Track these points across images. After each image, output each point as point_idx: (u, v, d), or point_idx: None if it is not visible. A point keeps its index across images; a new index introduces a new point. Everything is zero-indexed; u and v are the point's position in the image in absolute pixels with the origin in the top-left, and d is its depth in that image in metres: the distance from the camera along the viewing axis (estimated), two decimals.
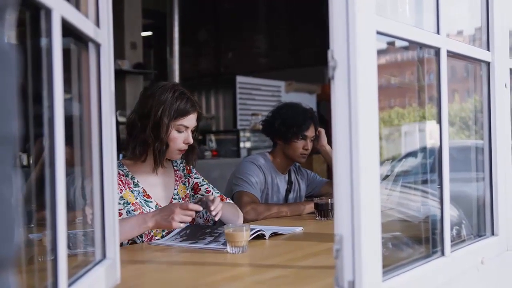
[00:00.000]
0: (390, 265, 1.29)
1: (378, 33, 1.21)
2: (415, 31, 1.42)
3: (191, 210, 1.97)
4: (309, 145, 2.91)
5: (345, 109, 1.14)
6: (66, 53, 1.05)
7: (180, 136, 2.21)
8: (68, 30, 1.07)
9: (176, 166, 2.40)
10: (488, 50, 1.76)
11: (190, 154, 2.32)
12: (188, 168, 2.43)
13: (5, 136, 0.57)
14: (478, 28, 1.84)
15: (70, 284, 1.04)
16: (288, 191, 3.02)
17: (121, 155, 2.81)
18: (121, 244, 2.03)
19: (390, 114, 1.84)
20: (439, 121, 1.49)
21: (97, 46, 1.29)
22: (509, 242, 1.80)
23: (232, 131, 7.74)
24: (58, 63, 0.97)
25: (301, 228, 2.31)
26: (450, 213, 1.52)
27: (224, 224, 2.16)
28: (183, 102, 2.19)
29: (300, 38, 9.39)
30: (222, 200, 2.34)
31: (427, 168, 1.85)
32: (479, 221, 1.81)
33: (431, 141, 1.87)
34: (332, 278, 1.18)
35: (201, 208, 1.98)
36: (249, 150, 7.38)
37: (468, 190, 1.93)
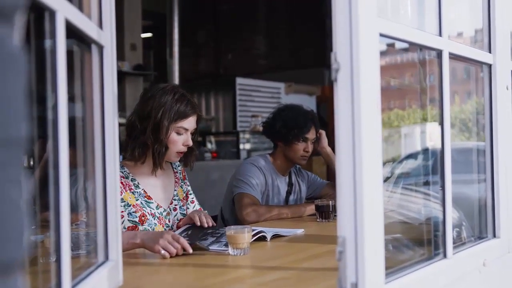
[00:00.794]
0: (393, 267, 1.29)
1: (381, 35, 1.21)
2: (418, 33, 1.42)
3: (181, 244, 1.83)
4: (310, 147, 2.91)
5: (348, 111, 1.14)
6: (69, 54, 1.05)
7: (180, 138, 2.21)
8: (71, 31, 1.07)
9: (175, 168, 2.40)
10: (490, 52, 1.76)
11: (189, 157, 2.31)
12: (184, 174, 2.43)
13: (14, 139, 0.58)
14: (479, 30, 1.84)
15: (73, 286, 1.04)
16: (288, 193, 3.01)
17: (120, 157, 2.81)
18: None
19: (390, 116, 1.84)
20: (441, 123, 1.49)
21: (100, 48, 1.29)
22: (511, 244, 1.80)
23: (232, 132, 7.74)
24: (62, 65, 0.97)
25: (303, 230, 2.31)
26: (451, 215, 1.52)
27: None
28: (183, 105, 2.19)
29: (300, 39, 9.40)
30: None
31: (428, 170, 1.86)
32: (481, 223, 1.81)
33: (432, 143, 1.87)
34: (334, 280, 1.18)
35: (190, 250, 1.83)
36: (249, 152, 7.38)
37: (468, 192, 1.94)
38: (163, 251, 1.81)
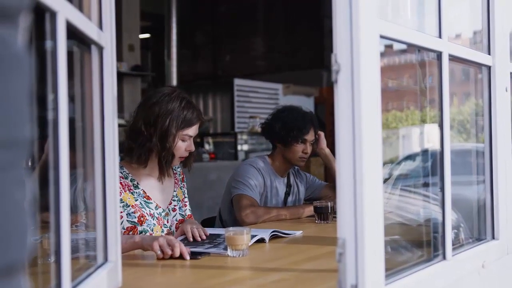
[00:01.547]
0: (392, 268, 1.29)
1: (381, 37, 1.21)
2: (418, 35, 1.42)
3: (178, 249, 1.81)
4: (309, 149, 2.91)
5: (348, 112, 1.14)
6: (69, 55, 1.05)
7: (184, 144, 2.22)
8: (72, 32, 1.07)
9: (175, 170, 2.41)
10: (489, 54, 1.76)
11: (188, 159, 2.32)
12: (182, 176, 2.44)
13: (18, 140, 0.58)
14: (478, 31, 1.84)
15: (73, 287, 1.04)
16: (287, 194, 3.01)
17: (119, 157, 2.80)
18: None
19: (388, 117, 1.84)
20: (441, 125, 1.49)
21: (100, 49, 1.29)
22: (510, 246, 1.81)
23: (230, 133, 7.74)
24: (62, 65, 0.97)
25: (301, 231, 2.31)
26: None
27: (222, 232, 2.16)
28: (189, 112, 2.20)
29: (298, 40, 9.41)
30: (182, 223, 2.33)
31: (426, 171, 1.86)
32: (480, 225, 1.81)
33: (430, 144, 1.87)
34: (334, 282, 1.18)
35: (187, 257, 1.80)
36: (247, 153, 7.38)
37: (466, 194, 1.94)
38: (159, 252, 1.79)
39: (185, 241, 2.03)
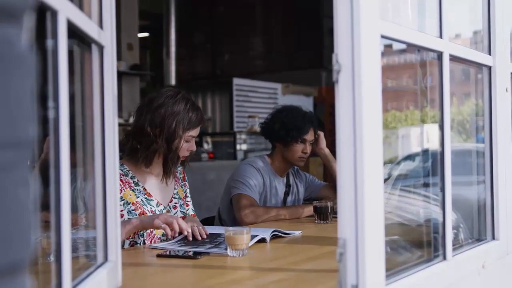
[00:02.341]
0: (393, 269, 1.29)
1: (382, 37, 1.21)
2: (418, 35, 1.42)
3: (179, 225, 1.97)
4: (308, 149, 2.91)
5: (349, 112, 1.14)
6: (69, 54, 1.04)
7: (187, 145, 2.26)
8: (72, 31, 1.06)
9: (175, 168, 2.41)
10: (490, 54, 1.76)
11: (187, 157, 2.33)
12: (184, 175, 2.45)
13: (22, 140, 0.57)
14: (479, 32, 1.84)
15: (73, 287, 1.03)
16: (286, 194, 3.01)
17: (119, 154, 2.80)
18: (122, 245, 2.03)
19: (387, 117, 1.84)
20: (441, 125, 1.49)
21: (101, 48, 1.29)
22: (510, 246, 1.81)
23: (229, 133, 7.73)
24: (63, 64, 0.97)
25: (300, 231, 2.30)
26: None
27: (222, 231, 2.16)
28: (194, 114, 2.24)
29: (297, 40, 9.40)
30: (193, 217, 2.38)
31: (426, 171, 1.86)
32: (480, 225, 1.81)
33: (430, 144, 1.87)
34: (334, 282, 1.17)
35: (189, 230, 1.98)
36: (246, 153, 7.37)
37: (466, 194, 1.94)
38: (163, 225, 1.91)
39: (185, 241, 2.03)
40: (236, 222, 2.72)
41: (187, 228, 2.01)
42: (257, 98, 8.31)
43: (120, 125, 6.45)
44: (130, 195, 2.18)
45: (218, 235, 2.12)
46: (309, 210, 2.74)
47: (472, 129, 2.03)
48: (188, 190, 2.46)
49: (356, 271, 1.12)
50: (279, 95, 8.48)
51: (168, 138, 2.18)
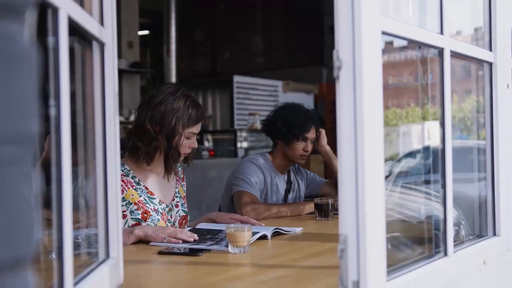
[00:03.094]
0: (394, 265, 1.29)
1: (383, 33, 1.21)
2: (419, 31, 1.42)
3: (182, 235, 2.00)
4: (309, 147, 2.91)
5: (350, 108, 1.14)
6: (70, 51, 1.04)
7: (188, 142, 2.25)
8: (73, 28, 1.06)
9: (176, 165, 2.41)
10: (491, 50, 1.76)
11: (189, 155, 2.33)
12: (183, 175, 2.46)
13: (25, 136, 0.57)
14: (480, 28, 1.84)
15: (75, 283, 1.03)
16: (287, 191, 3.01)
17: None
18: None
19: (388, 115, 1.84)
20: (443, 121, 1.49)
21: (101, 45, 1.29)
22: (511, 243, 1.81)
23: (229, 131, 7.73)
24: (64, 62, 0.97)
25: (301, 228, 2.31)
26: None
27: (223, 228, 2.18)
28: (194, 111, 2.23)
29: (297, 37, 9.40)
30: (185, 218, 2.38)
31: (427, 168, 1.86)
32: (481, 222, 1.81)
33: (431, 142, 1.87)
34: (335, 278, 1.18)
35: (194, 237, 2.00)
36: (246, 150, 7.38)
37: (467, 191, 1.94)
38: (167, 238, 1.96)
39: (185, 242, 2.02)
40: None
41: (192, 236, 2.00)
42: (258, 96, 8.31)
43: (120, 123, 6.45)
44: (133, 194, 2.18)
45: (220, 231, 2.12)
46: (310, 207, 2.74)
47: (473, 126, 2.03)
48: (185, 190, 2.47)
49: (357, 267, 1.13)
50: (279, 92, 8.48)
51: (168, 135, 2.19)
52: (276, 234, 2.15)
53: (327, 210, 2.57)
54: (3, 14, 0.56)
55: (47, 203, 0.98)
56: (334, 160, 2.98)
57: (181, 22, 8.62)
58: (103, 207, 1.31)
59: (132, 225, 2.14)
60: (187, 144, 2.24)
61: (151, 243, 1.98)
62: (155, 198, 2.25)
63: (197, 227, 2.29)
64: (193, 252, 1.82)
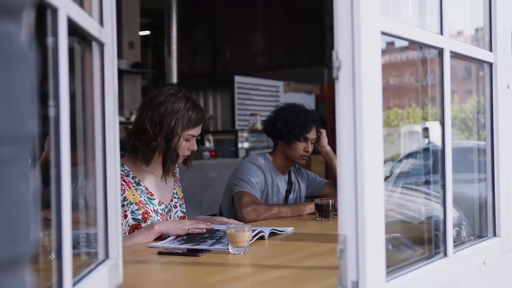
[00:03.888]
0: (394, 265, 1.29)
1: (383, 33, 1.21)
2: (419, 31, 1.42)
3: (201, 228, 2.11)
4: (310, 147, 2.91)
5: (349, 109, 1.14)
6: (70, 52, 1.04)
7: (187, 144, 2.26)
8: (73, 29, 1.06)
9: (174, 166, 2.42)
10: (491, 51, 1.76)
11: (189, 157, 2.34)
12: (179, 176, 2.47)
13: (23, 135, 0.58)
14: (480, 28, 1.84)
15: (74, 284, 1.04)
16: (288, 191, 3.01)
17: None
18: None
19: (389, 115, 1.84)
20: (442, 122, 1.49)
21: (101, 45, 1.29)
22: (511, 243, 1.80)
23: (230, 131, 7.73)
24: (64, 62, 0.97)
25: (292, 228, 2.31)
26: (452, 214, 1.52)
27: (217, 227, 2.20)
28: (194, 113, 2.24)
29: (299, 37, 9.40)
30: (184, 219, 2.39)
31: (428, 169, 1.86)
32: (481, 222, 1.81)
33: (432, 142, 1.87)
34: (334, 279, 1.18)
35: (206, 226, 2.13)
36: (247, 151, 7.38)
37: (468, 191, 1.94)
38: (191, 229, 2.06)
39: (183, 241, 2.02)
40: (237, 219, 2.72)
41: (208, 225, 2.14)
42: (259, 96, 8.31)
43: (121, 123, 6.45)
44: (134, 194, 2.19)
45: (217, 230, 2.13)
46: (310, 207, 2.74)
47: (474, 126, 2.03)
48: (181, 190, 2.48)
49: (356, 268, 1.13)
50: (280, 93, 8.48)
51: (167, 136, 2.19)
52: (272, 234, 2.16)
53: (327, 210, 2.57)
54: (0, 14, 0.56)
55: (47, 203, 0.99)
56: (335, 160, 2.97)
57: (182, 22, 8.62)
58: (102, 207, 1.31)
59: (133, 225, 2.14)
60: (186, 146, 2.25)
61: (149, 245, 1.98)
62: (154, 199, 2.25)
63: None
64: (193, 253, 1.82)
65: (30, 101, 0.60)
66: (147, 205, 2.20)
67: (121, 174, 2.16)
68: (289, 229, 2.29)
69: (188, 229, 2.05)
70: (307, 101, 7.78)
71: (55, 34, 0.96)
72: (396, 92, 2.00)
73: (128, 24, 7.46)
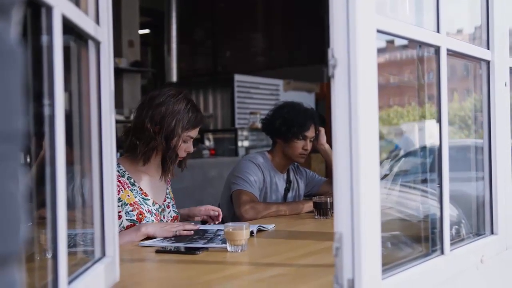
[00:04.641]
0: (390, 263, 1.29)
1: (378, 31, 1.21)
2: (415, 29, 1.42)
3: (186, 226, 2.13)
4: (309, 146, 2.91)
5: (345, 107, 1.14)
6: (66, 50, 1.05)
7: (184, 145, 2.28)
8: (68, 27, 1.06)
9: (173, 166, 2.42)
10: (488, 48, 1.76)
11: (184, 159, 2.34)
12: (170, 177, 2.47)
13: (11, 133, 0.58)
14: (478, 27, 1.84)
15: (70, 282, 1.04)
16: (287, 190, 3.01)
17: (118, 154, 2.81)
18: None
19: (389, 113, 1.84)
20: (439, 120, 1.49)
21: (97, 44, 1.29)
22: (509, 241, 1.81)
23: (230, 130, 7.73)
24: (58, 61, 0.97)
25: (274, 225, 2.33)
26: (450, 212, 1.52)
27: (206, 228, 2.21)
28: (194, 114, 2.26)
29: (298, 36, 9.39)
30: (176, 219, 2.41)
31: (427, 167, 1.86)
32: (479, 220, 1.81)
33: (431, 140, 1.87)
34: (331, 277, 1.18)
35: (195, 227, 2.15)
36: (247, 149, 7.37)
37: (467, 190, 1.94)
38: (178, 232, 2.06)
39: (171, 241, 2.02)
40: (236, 218, 2.72)
41: (195, 226, 2.17)
42: (259, 95, 8.30)
43: (121, 122, 6.45)
44: (129, 195, 2.19)
45: (206, 230, 2.15)
46: (309, 205, 2.74)
47: (474, 124, 2.03)
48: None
49: (352, 265, 1.13)
50: (280, 91, 8.47)
51: (167, 136, 2.20)
52: (276, 232, 2.18)
53: (325, 208, 2.57)
54: None
55: (45, 202, 0.99)
56: None
57: (182, 21, 8.62)
58: (99, 206, 1.31)
59: (127, 226, 2.14)
60: (183, 148, 2.27)
61: (141, 244, 1.98)
62: (149, 199, 2.26)
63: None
64: (190, 251, 1.83)
65: (19, 100, 0.60)
66: (141, 206, 2.21)
67: (116, 174, 2.17)
68: (271, 226, 2.31)
69: (176, 231, 2.06)
70: (307, 99, 7.78)
71: (49, 32, 0.96)
72: (397, 90, 2.00)
73: (128, 23, 7.46)
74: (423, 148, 2.01)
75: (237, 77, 8.14)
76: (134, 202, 2.19)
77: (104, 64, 1.31)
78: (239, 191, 2.76)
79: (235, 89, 8.09)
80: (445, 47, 1.49)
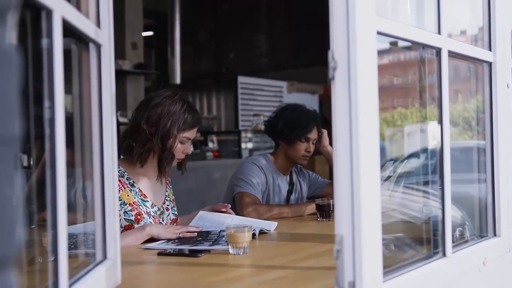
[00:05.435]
0: (391, 266, 1.29)
1: (379, 33, 1.21)
2: (416, 31, 1.42)
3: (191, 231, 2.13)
4: (312, 148, 2.91)
5: (345, 109, 1.14)
6: (67, 53, 1.05)
7: (182, 147, 2.27)
8: (69, 30, 1.07)
9: (170, 168, 2.42)
10: (490, 50, 1.75)
11: (184, 161, 2.34)
12: (169, 179, 2.47)
13: (7, 137, 0.58)
14: (480, 28, 1.83)
15: (71, 284, 1.04)
16: (289, 192, 3.01)
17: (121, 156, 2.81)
18: None
19: (393, 115, 1.83)
20: (440, 121, 1.49)
21: (98, 46, 1.29)
22: (511, 243, 1.80)
23: (234, 131, 7.73)
24: (59, 64, 0.97)
25: (276, 223, 2.33)
26: (453, 214, 1.51)
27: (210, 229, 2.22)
28: (190, 115, 2.26)
29: (302, 37, 9.38)
30: (176, 222, 2.41)
31: (430, 169, 1.85)
32: (481, 222, 1.80)
33: (434, 142, 1.87)
34: (332, 279, 1.17)
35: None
36: (251, 151, 7.37)
37: (470, 191, 1.93)
38: (182, 234, 2.07)
39: (175, 243, 2.01)
40: None
41: (198, 228, 2.16)
42: (262, 96, 8.31)
43: (124, 124, 6.45)
44: (128, 195, 2.20)
45: (209, 232, 2.14)
46: (311, 207, 2.74)
47: (478, 126, 2.02)
48: (172, 193, 2.49)
49: (353, 268, 1.13)
50: (284, 93, 8.47)
51: (163, 137, 2.21)
52: (280, 234, 2.18)
53: (328, 211, 2.57)
54: None
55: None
56: None
57: (185, 23, 8.63)
58: (100, 208, 1.31)
59: (125, 226, 2.15)
60: (181, 149, 2.26)
61: (143, 246, 1.98)
62: (148, 201, 2.26)
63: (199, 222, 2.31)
64: (193, 253, 1.83)
65: (15, 103, 0.60)
66: (140, 207, 2.21)
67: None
68: (274, 224, 2.31)
69: (180, 233, 2.06)
70: (311, 101, 7.76)
71: (50, 35, 0.96)
72: (400, 91, 1.99)
73: (131, 25, 7.46)
74: (427, 149, 2.01)
75: (241, 79, 8.14)
76: (133, 202, 2.19)
77: (105, 67, 1.31)
78: (242, 194, 2.76)
79: (239, 91, 8.10)
80: (446, 48, 1.48)
